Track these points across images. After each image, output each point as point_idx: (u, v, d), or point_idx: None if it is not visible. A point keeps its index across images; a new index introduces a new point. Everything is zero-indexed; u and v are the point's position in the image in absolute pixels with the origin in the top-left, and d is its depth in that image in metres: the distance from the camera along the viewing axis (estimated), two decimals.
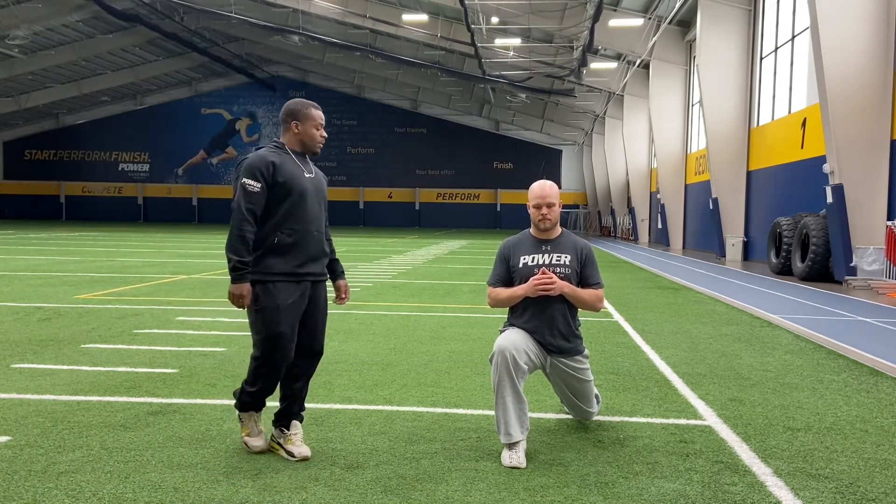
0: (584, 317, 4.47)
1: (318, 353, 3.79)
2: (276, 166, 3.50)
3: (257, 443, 3.68)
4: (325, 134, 3.71)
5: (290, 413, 3.70)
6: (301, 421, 3.73)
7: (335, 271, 3.90)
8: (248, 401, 3.69)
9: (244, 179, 3.46)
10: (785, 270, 15.27)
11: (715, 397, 4.96)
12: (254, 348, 3.64)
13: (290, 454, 3.58)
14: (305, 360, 3.73)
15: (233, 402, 3.89)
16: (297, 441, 3.63)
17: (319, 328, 3.76)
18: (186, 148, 58.18)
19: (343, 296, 3.90)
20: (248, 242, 3.45)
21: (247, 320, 3.66)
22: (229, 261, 3.46)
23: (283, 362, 3.59)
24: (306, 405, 3.86)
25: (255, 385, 3.62)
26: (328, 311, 3.85)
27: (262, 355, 3.58)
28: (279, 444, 3.66)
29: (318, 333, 3.75)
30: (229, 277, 3.49)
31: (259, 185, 3.46)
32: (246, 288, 3.49)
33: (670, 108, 28.97)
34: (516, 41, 32.83)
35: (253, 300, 3.54)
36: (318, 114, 3.68)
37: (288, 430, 3.65)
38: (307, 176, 3.63)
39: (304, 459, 3.55)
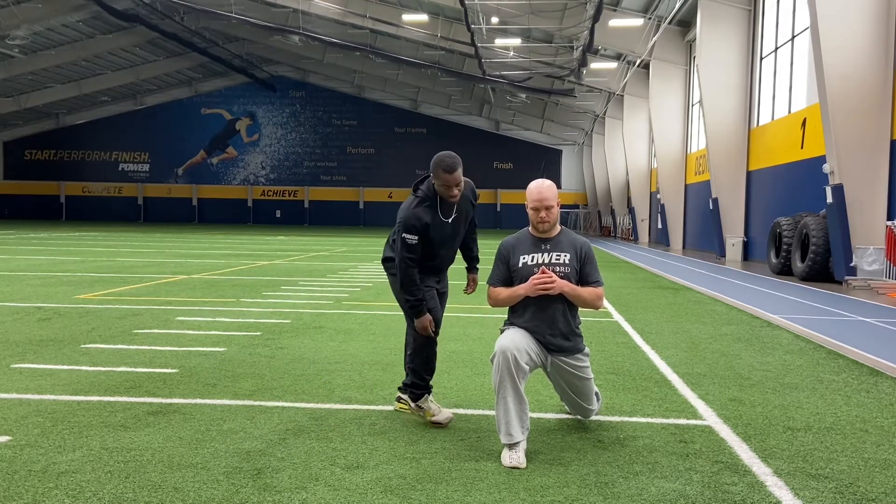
0: (583, 316, 4.47)
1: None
2: (428, 225, 4.17)
3: (444, 414, 4.21)
4: (455, 192, 4.14)
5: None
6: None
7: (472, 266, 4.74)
8: (420, 380, 4.29)
9: (404, 234, 4.12)
10: (785, 270, 15.27)
11: (715, 397, 4.96)
12: (416, 338, 4.28)
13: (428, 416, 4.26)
14: None
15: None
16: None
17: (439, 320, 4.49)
18: (186, 148, 58.17)
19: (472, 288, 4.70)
20: (417, 283, 4.15)
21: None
22: (407, 301, 4.15)
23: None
24: (308, 405, 3.94)
25: (427, 359, 4.30)
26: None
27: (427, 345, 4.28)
28: (411, 407, 4.34)
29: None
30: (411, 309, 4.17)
31: (415, 237, 4.13)
32: (428, 318, 4.18)
33: (670, 108, 28.97)
34: (516, 41, 32.82)
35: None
36: (448, 177, 4.08)
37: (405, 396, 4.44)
38: (448, 221, 4.26)
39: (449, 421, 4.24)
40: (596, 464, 3.59)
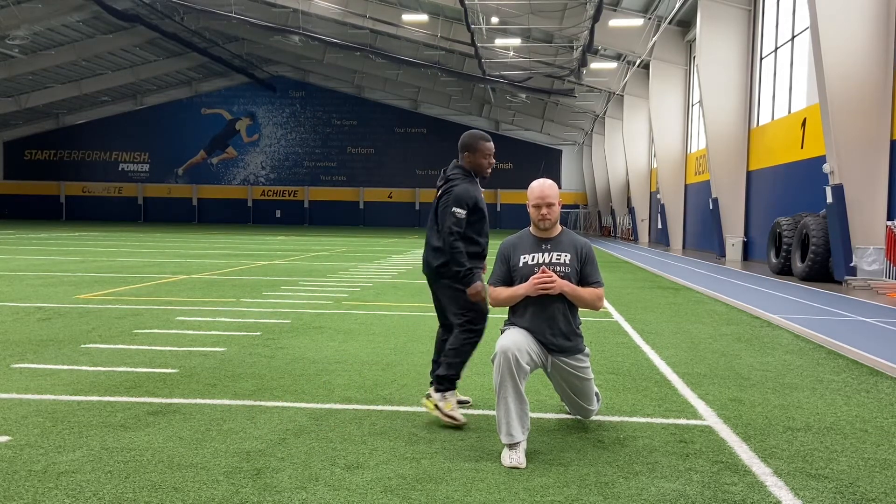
0: (584, 316, 4.47)
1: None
2: (477, 199, 4.38)
3: (460, 415, 4.23)
4: (492, 162, 4.52)
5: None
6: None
7: None
8: (455, 375, 4.37)
9: (454, 208, 4.31)
10: (785, 270, 15.27)
11: (715, 397, 4.96)
12: (465, 329, 4.36)
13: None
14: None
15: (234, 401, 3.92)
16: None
17: None
18: (186, 148, 58.18)
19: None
20: (464, 253, 4.30)
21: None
22: (458, 272, 4.26)
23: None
24: (308, 405, 3.92)
25: (466, 357, 4.39)
26: None
27: (478, 329, 4.39)
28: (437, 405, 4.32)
29: None
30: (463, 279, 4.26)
31: (464, 212, 4.34)
32: (480, 285, 4.29)
33: (670, 108, 28.97)
34: (516, 41, 32.83)
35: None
36: (488, 145, 4.46)
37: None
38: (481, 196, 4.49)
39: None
40: (596, 464, 3.59)
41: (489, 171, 4.50)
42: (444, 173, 4.53)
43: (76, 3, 37.39)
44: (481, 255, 4.46)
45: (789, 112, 18.76)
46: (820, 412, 4.63)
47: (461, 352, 4.36)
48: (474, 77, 39.16)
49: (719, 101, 21.50)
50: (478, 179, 4.51)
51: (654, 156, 31.56)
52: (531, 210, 4.00)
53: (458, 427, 4.17)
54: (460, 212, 4.30)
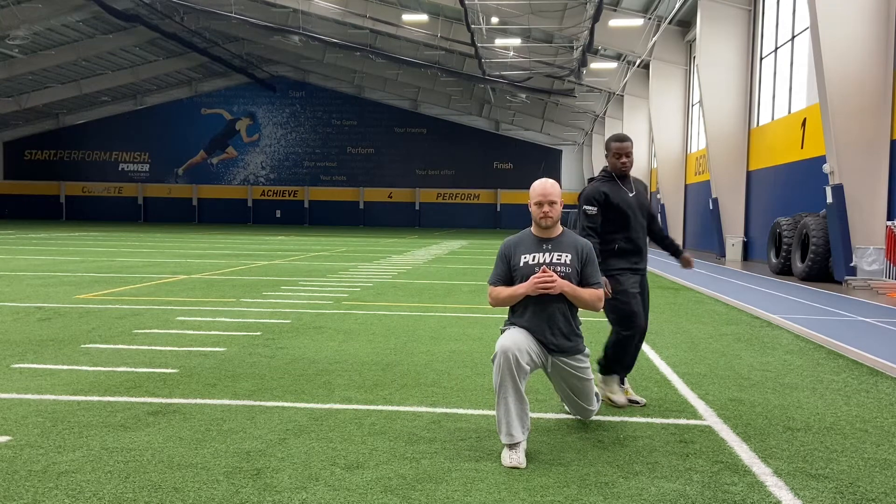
0: (584, 316, 4.47)
1: (643, 330, 4.77)
2: (606, 194, 4.65)
3: (620, 398, 4.64)
4: (625, 161, 4.70)
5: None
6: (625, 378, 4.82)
7: (677, 250, 5.24)
8: (610, 366, 4.71)
9: (585, 206, 4.62)
10: (785, 270, 15.27)
11: (715, 397, 4.96)
12: (613, 330, 4.74)
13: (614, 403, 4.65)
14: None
15: (228, 397, 3.90)
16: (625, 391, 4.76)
17: (646, 309, 4.87)
18: (186, 148, 58.16)
19: (691, 264, 5.17)
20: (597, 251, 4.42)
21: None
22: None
23: (636, 332, 4.67)
24: (308, 405, 3.92)
25: (617, 355, 4.68)
26: None
27: (623, 330, 4.66)
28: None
29: (644, 313, 4.83)
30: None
31: (594, 208, 4.64)
32: (603, 280, 4.38)
33: (670, 108, 28.97)
34: (516, 41, 32.82)
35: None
36: (618, 145, 4.69)
37: (623, 384, 4.79)
38: (630, 196, 4.71)
39: (621, 406, 4.60)
40: (596, 464, 3.59)
41: (624, 168, 4.70)
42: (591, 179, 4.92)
43: (76, 3, 37.37)
44: (635, 249, 4.70)
45: (789, 112, 18.76)
46: (820, 412, 4.63)
47: (616, 346, 4.71)
48: (474, 77, 39.16)
49: (719, 101, 21.50)
50: (621, 178, 4.74)
51: (654, 156, 31.56)
52: (533, 208, 3.99)
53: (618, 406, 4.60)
54: (591, 209, 4.63)
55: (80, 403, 4.52)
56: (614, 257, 4.66)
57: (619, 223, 4.67)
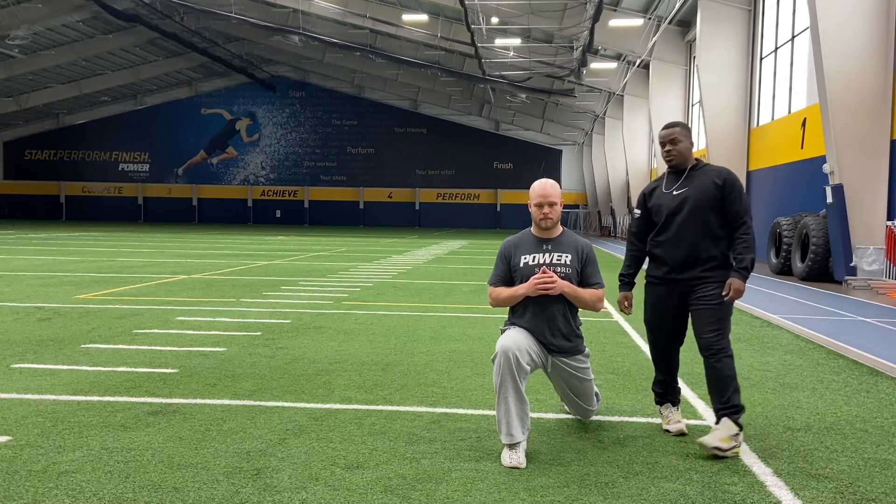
0: (584, 317, 4.47)
1: (704, 348, 4.05)
2: (645, 195, 4.30)
3: (674, 427, 4.12)
4: (669, 149, 4.28)
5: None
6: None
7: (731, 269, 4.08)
8: (660, 384, 4.39)
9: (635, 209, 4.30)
10: (785, 270, 15.27)
11: None
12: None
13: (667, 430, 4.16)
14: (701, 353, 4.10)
15: (224, 400, 3.89)
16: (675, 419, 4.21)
17: (705, 327, 4.09)
18: (186, 148, 58.15)
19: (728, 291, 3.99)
20: (628, 256, 4.34)
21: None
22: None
23: (655, 349, 4.46)
24: (308, 405, 3.88)
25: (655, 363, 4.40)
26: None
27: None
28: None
29: (707, 330, 4.08)
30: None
31: (639, 211, 4.31)
32: (621, 294, 4.32)
33: (670, 108, 28.95)
34: (516, 41, 32.82)
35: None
36: (662, 132, 4.29)
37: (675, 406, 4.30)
38: (675, 194, 4.15)
39: (680, 434, 4.08)
40: (596, 464, 3.59)
41: (670, 159, 4.31)
42: None
43: (76, 3, 37.36)
44: (662, 255, 4.10)
45: (789, 112, 18.76)
46: (820, 412, 4.62)
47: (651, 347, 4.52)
48: (474, 77, 39.16)
49: (719, 101, 21.50)
50: (679, 172, 4.31)
51: (654, 156, 31.55)
52: (533, 209, 3.99)
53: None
54: (636, 212, 4.39)
55: (80, 403, 4.52)
56: (650, 263, 4.29)
57: (656, 226, 4.19)
